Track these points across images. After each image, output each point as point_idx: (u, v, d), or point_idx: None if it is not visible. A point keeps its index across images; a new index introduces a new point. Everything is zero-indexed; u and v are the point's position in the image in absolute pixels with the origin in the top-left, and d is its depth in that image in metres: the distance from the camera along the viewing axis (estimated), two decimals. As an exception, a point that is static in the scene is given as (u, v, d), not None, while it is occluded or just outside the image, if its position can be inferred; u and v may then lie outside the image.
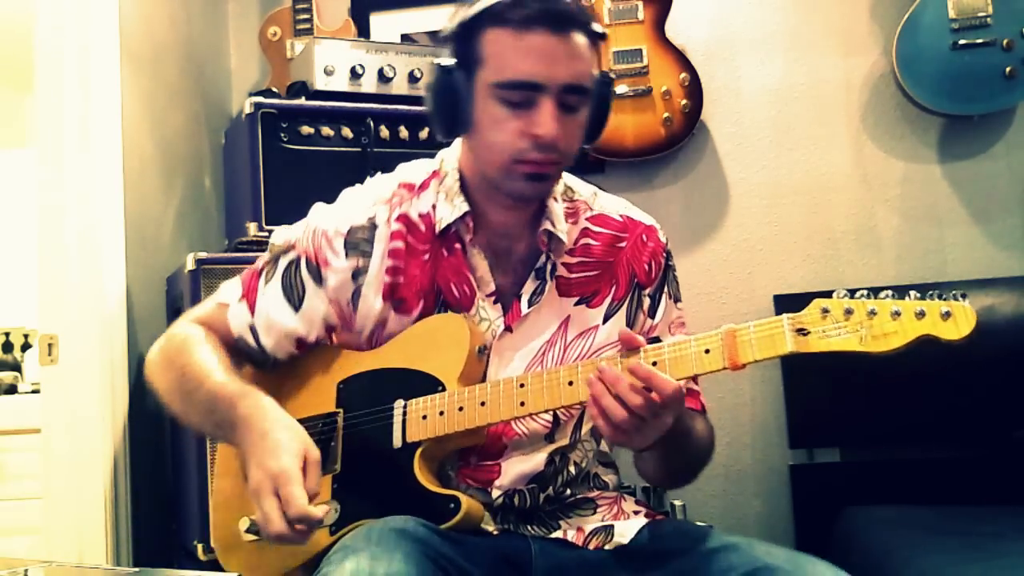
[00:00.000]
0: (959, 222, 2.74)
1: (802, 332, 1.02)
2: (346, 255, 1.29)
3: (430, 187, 1.32)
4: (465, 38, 1.22)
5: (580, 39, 1.20)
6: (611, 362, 1.11)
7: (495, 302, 1.29)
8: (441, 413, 1.20)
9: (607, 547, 1.24)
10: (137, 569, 1.77)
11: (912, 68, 2.61)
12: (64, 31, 2.14)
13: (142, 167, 2.38)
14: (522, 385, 1.17)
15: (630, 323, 1.33)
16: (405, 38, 2.96)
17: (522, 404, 1.17)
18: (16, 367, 3.50)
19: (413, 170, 1.36)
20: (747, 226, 2.83)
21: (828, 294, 1.04)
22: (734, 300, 2.81)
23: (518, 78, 1.18)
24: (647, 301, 1.34)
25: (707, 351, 1.07)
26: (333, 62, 2.22)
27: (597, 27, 1.23)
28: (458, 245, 1.29)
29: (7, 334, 3.59)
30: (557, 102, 1.18)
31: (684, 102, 2.69)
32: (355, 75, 2.24)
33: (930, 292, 1.00)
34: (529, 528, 1.26)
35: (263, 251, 1.40)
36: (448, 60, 1.23)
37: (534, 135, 1.18)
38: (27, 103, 3.53)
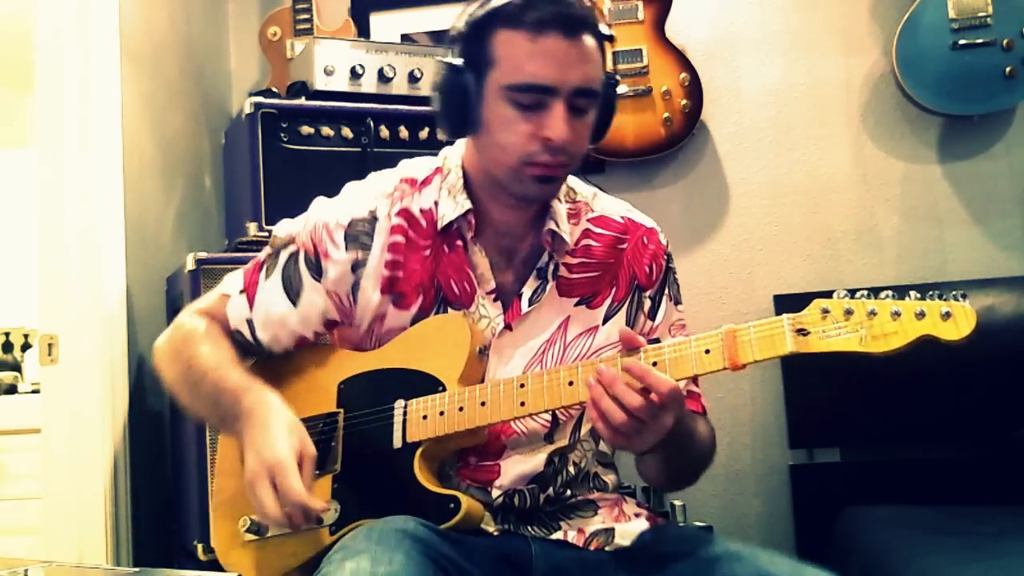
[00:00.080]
0: (959, 222, 2.74)
1: (802, 332, 1.02)
2: (346, 247, 1.29)
3: (433, 183, 1.32)
4: (475, 38, 1.22)
5: (590, 42, 1.20)
6: (610, 362, 1.11)
7: (495, 300, 1.29)
8: (441, 413, 1.20)
9: (608, 549, 1.24)
10: (137, 569, 1.77)
11: (912, 68, 2.61)
12: (64, 31, 2.14)
13: (142, 167, 2.38)
14: (522, 385, 1.17)
15: (630, 324, 1.33)
16: (405, 38, 2.97)
17: (522, 404, 1.17)
18: (16, 367, 3.50)
19: (416, 166, 1.36)
20: (747, 226, 2.83)
21: (828, 294, 1.04)
22: (734, 300, 2.81)
23: (531, 81, 1.17)
24: (648, 303, 1.34)
25: (707, 351, 1.07)
26: (333, 62, 2.22)
27: (605, 29, 1.23)
28: (459, 242, 1.29)
29: (7, 334, 3.59)
30: (567, 105, 1.19)
31: (684, 102, 2.69)
32: (355, 75, 2.24)
33: (930, 292, 1.00)
34: (529, 529, 1.26)
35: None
36: (457, 59, 1.23)
37: (545, 138, 1.19)
38: (27, 103, 3.53)
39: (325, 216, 1.32)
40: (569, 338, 1.30)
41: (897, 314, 0.99)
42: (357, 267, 1.29)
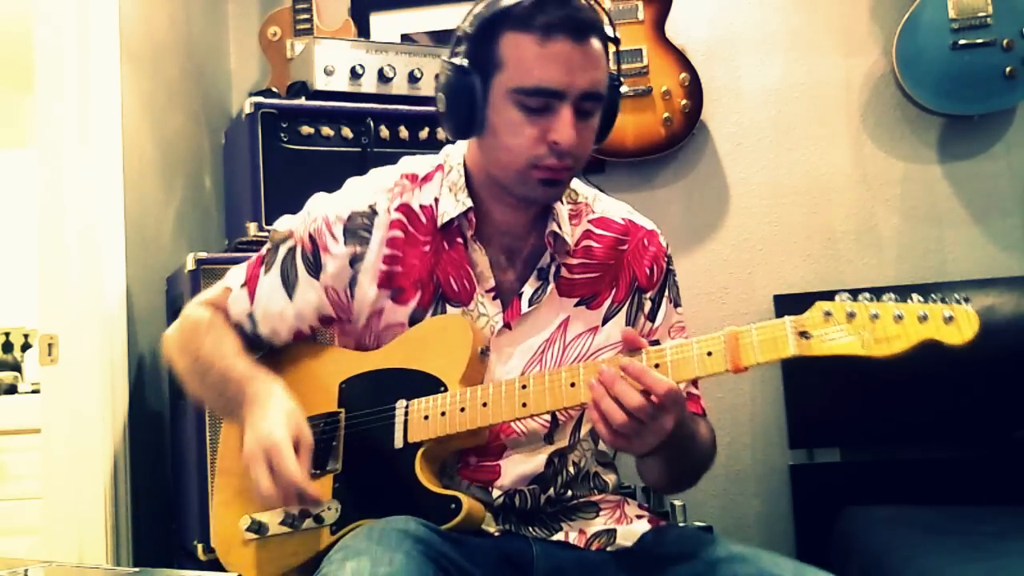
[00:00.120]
0: (959, 222, 2.74)
1: (804, 335, 1.02)
2: (345, 241, 1.29)
3: (434, 180, 1.33)
4: (482, 40, 1.21)
5: (597, 45, 1.20)
6: (611, 363, 1.11)
7: (494, 298, 1.29)
8: (443, 414, 1.19)
9: (609, 550, 1.24)
10: (137, 569, 1.77)
11: (912, 68, 2.61)
12: (64, 31, 2.14)
13: (142, 167, 2.38)
14: (524, 386, 1.17)
15: (630, 326, 1.33)
16: (405, 38, 2.97)
17: (524, 405, 1.16)
18: (16, 367, 3.50)
19: (417, 162, 1.36)
20: (747, 226, 2.83)
21: (829, 294, 1.04)
22: (734, 300, 2.81)
23: (539, 85, 1.17)
24: (648, 305, 1.34)
25: (709, 353, 1.07)
26: (333, 62, 2.22)
27: (612, 31, 1.23)
28: (459, 239, 1.30)
29: (7, 334, 3.59)
30: (574, 108, 1.18)
31: (684, 102, 2.69)
32: (355, 75, 2.24)
33: (933, 295, 0.99)
34: (530, 530, 1.26)
35: (263, 251, 1.40)
36: (462, 60, 1.23)
37: (552, 142, 1.19)
38: (27, 103, 3.53)
39: (324, 210, 1.32)
40: (569, 338, 1.30)
41: (900, 317, 0.98)
42: (355, 261, 1.29)
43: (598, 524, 1.28)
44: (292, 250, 1.33)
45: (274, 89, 2.37)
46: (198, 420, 1.91)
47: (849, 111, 2.82)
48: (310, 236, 1.32)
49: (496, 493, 1.25)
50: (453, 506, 1.15)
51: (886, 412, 2.52)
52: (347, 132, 2.13)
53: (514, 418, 1.19)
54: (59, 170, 2.12)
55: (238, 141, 2.22)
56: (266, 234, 2.00)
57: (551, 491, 1.28)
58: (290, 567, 1.23)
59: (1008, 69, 2.54)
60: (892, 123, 2.79)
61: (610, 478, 1.36)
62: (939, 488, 2.46)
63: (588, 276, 1.32)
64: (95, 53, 2.17)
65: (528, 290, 1.29)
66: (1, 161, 3.85)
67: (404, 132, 2.18)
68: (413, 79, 2.29)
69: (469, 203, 1.28)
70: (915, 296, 1.00)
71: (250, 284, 1.36)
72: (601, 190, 1.43)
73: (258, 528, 1.24)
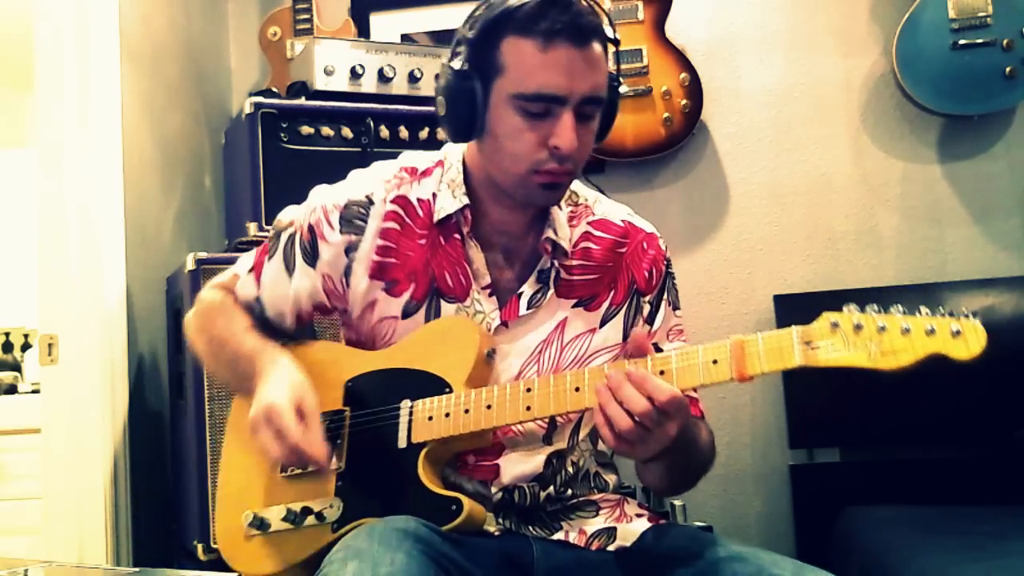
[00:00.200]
0: (959, 222, 2.74)
1: (811, 345, 1.02)
2: (341, 230, 1.31)
3: (433, 175, 1.33)
4: (483, 44, 1.21)
5: (598, 49, 1.20)
6: (617, 369, 1.10)
7: (490, 295, 1.29)
8: (447, 415, 1.20)
9: (609, 549, 1.24)
10: (137, 569, 1.77)
11: (912, 68, 2.61)
12: (64, 31, 2.14)
13: (142, 167, 2.38)
14: (528, 390, 1.17)
15: (628, 329, 1.33)
16: (405, 38, 2.97)
17: (528, 408, 1.16)
18: (16, 367, 3.50)
19: (418, 157, 1.37)
20: (747, 226, 2.83)
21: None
22: (734, 300, 2.81)
23: (540, 91, 1.17)
24: (646, 308, 1.34)
25: (715, 361, 1.06)
26: (333, 62, 2.22)
27: (611, 33, 1.23)
28: (456, 236, 1.30)
29: (7, 334, 3.59)
30: (575, 113, 1.19)
31: (684, 102, 2.69)
32: (355, 75, 2.24)
33: (940, 309, 0.99)
34: (530, 529, 1.26)
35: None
36: (463, 64, 1.23)
37: (553, 146, 1.19)
38: (27, 103, 3.53)
39: (324, 199, 1.34)
40: (566, 339, 1.30)
41: (907, 330, 0.98)
42: (350, 250, 1.31)
43: (598, 523, 1.28)
44: (292, 237, 1.36)
45: (274, 89, 2.38)
46: (198, 420, 1.91)
47: (849, 111, 2.82)
48: (309, 226, 1.34)
49: (495, 489, 1.25)
50: (454, 507, 1.15)
51: (886, 412, 2.52)
52: (347, 132, 2.13)
53: (518, 421, 1.19)
54: (59, 170, 2.12)
55: (238, 141, 2.22)
56: (266, 234, 2.00)
57: (551, 489, 1.28)
58: (291, 563, 1.23)
59: (1008, 69, 2.54)
60: (892, 123, 2.79)
61: (610, 478, 1.36)
62: (939, 488, 2.46)
63: (586, 278, 1.32)
64: (95, 53, 2.17)
65: (528, 291, 1.29)
66: (1, 161, 3.85)
67: (404, 132, 2.18)
68: (413, 79, 2.29)
69: (465, 200, 1.29)
70: (923, 309, 0.99)
71: (256, 270, 1.39)
72: (601, 191, 1.43)
73: (260, 524, 1.25)
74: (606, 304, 1.32)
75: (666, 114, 2.69)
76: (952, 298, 2.59)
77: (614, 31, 1.24)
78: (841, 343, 1.00)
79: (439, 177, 1.33)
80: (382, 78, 2.26)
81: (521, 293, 1.29)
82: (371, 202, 1.31)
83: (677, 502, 2.11)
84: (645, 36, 2.71)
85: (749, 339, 1.05)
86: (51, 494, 2.07)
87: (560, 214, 1.32)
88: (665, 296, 1.36)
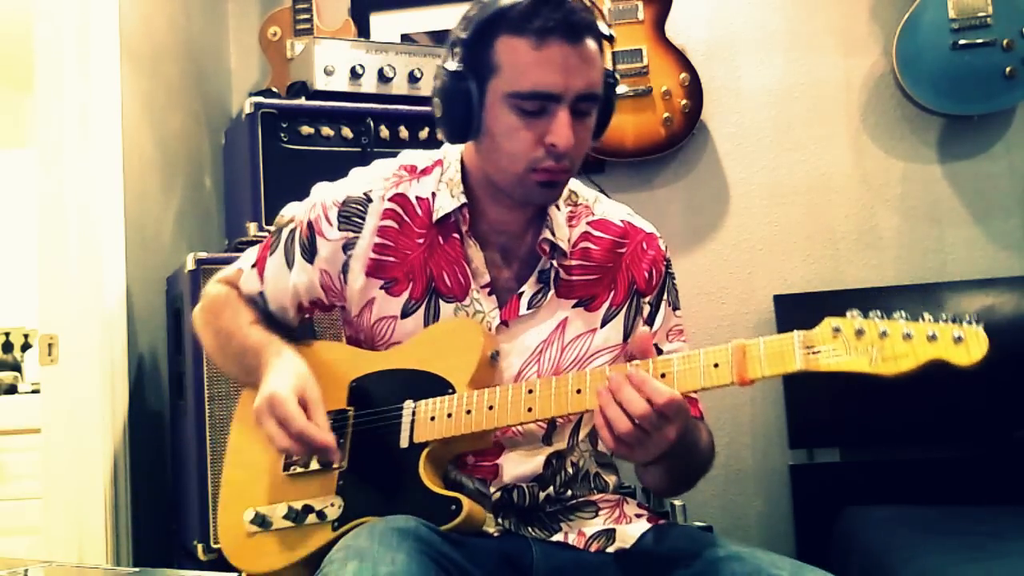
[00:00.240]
0: (959, 222, 2.74)
1: (812, 350, 1.02)
2: (339, 227, 1.31)
3: (433, 174, 1.34)
4: (477, 44, 1.21)
5: (593, 46, 1.20)
6: (618, 371, 1.11)
7: (489, 294, 1.29)
8: (449, 415, 1.20)
9: (609, 550, 1.24)
10: (137, 569, 1.77)
11: (912, 68, 2.61)
12: (64, 31, 2.14)
13: (142, 167, 2.38)
14: (530, 391, 1.17)
15: (628, 329, 1.33)
16: (405, 38, 2.97)
17: (529, 410, 1.17)
18: (16, 367, 3.50)
19: (417, 155, 1.37)
20: (747, 226, 2.84)
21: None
22: (734, 300, 2.81)
23: (535, 89, 1.17)
24: (646, 308, 1.34)
25: (716, 365, 1.06)
26: (333, 62, 2.22)
27: (606, 29, 1.23)
28: (455, 235, 1.30)
29: (7, 334, 3.59)
30: (571, 110, 1.19)
31: (684, 102, 2.69)
32: (355, 75, 2.24)
33: (944, 315, 0.99)
34: (530, 530, 1.26)
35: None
36: (457, 65, 1.23)
37: (550, 144, 1.19)
38: (27, 103, 3.53)
39: (323, 196, 1.35)
40: (567, 339, 1.30)
41: (909, 336, 0.98)
42: (348, 247, 1.31)
43: (597, 524, 1.28)
44: (292, 232, 1.37)
45: (274, 89, 2.38)
46: (198, 420, 1.91)
47: (849, 111, 2.82)
48: (309, 222, 1.34)
49: (493, 488, 1.25)
50: (454, 507, 1.15)
51: (886, 412, 2.52)
52: (347, 132, 2.13)
53: (519, 422, 1.19)
54: (59, 170, 2.12)
55: (238, 141, 2.22)
56: (266, 234, 2.00)
57: (550, 490, 1.28)
58: (292, 561, 1.23)
59: (1008, 69, 2.54)
60: (892, 123, 2.79)
61: (610, 479, 1.36)
62: (939, 488, 2.46)
63: (586, 278, 1.32)
64: (95, 53, 2.17)
65: (528, 292, 1.29)
66: (1, 161, 3.85)
67: (404, 132, 2.18)
68: (413, 79, 2.29)
69: (463, 199, 1.29)
70: (926, 315, 0.99)
71: (259, 265, 1.41)
72: (602, 190, 1.43)
73: (262, 521, 1.25)
74: (606, 304, 1.32)
75: (666, 114, 2.69)
76: (952, 298, 2.59)
77: (608, 27, 1.24)
78: (842, 348, 1.00)
79: (438, 176, 1.33)
80: (382, 78, 2.26)
81: (522, 293, 1.29)
82: (369, 200, 1.31)
83: (677, 502, 2.11)
84: (645, 36, 2.71)
85: (751, 343, 1.05)
86: (51, 494, 2.07)
87: (558, 214, 1.32)
88: (665, 296, 1.36)
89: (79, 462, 2.06)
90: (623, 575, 1.20)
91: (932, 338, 0.97)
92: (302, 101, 2.18)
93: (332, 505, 1.22)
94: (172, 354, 2.23)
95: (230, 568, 1.31)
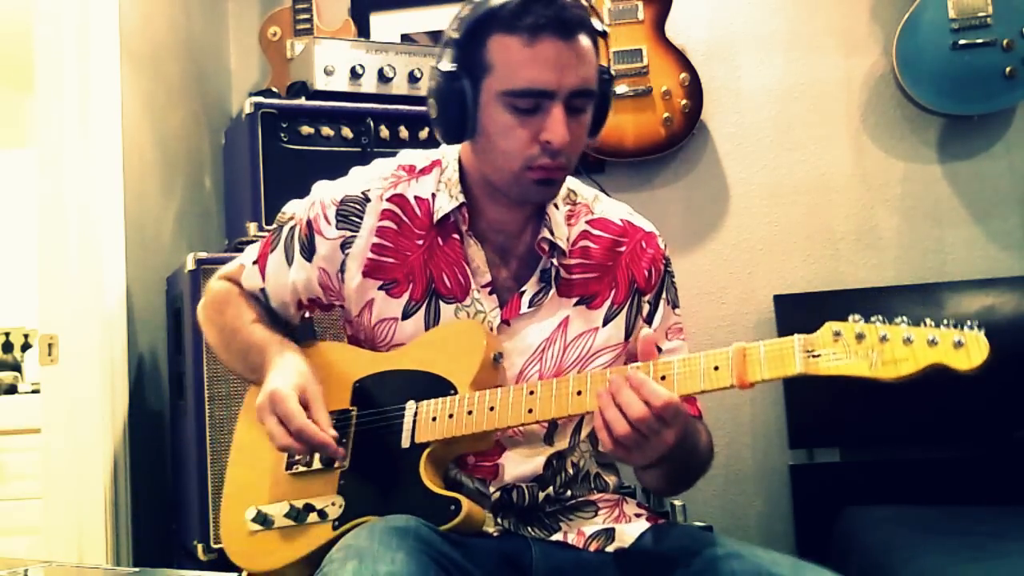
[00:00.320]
0: (959, 222, 2.74)
1: (812, 354, 1.02)
2: (337, 225, 1.32)
3: (432, 174, 1.34)
4: (469, 44, 1.21)
5: (586, 42, 1.20)
6: (619, 373, 1.11)
7: (490, 293, 1.29)
8: (451, 416, 1.20)
9: (608, 550, 1.24)
10: (137, 569, 1.77)
11: (912, 68, 2.61)
12: (64, 31, 2.14)
13: (142, 167, 2.38)
14: (532, 392, 1.17)
15: (630, 328, 1.33)
16: (405, 38, 2.97)
17: (530, 411, 1.17)
18: (16, 367, 3.50)
19: (416, 155, 1.38)
20: (747, 226, 2.84)
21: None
22: (734, 300, 2.81)
23: (528, 87, 1.17)
24: (646, 307, 1.34)
25: (716, 368, 1.07)
26: (333, 62, 2.22)
27: (599, 25, 1.23)
28: (455, 235, 1.30)
29: (7, 334, 3.59)
30: (565, 106, 1.19)
31: (684, 102, 2.69)
32: (355, 75, 2.24)
33: (946, 320, 0.99)
34: (529, 530, 1.26)
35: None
36: (451, 65, 1.23)
37: (544, 141, 1.19)
38: (27, 103, 3.53)
39: (323, 194, 1.35)
40: (569, 338, 1.30)
41: (909, 340, 0.98)
42: (345, 246, 1.32)
43: (596, 523, 1.28)
44: (292, 229, 1.38)
45: (274, 89, 2.38)
46: (198, 420, 1.91)
47: (849, 111, 2.82)
48: (308, 220, 1.35)
49: (493, 488, 1.25)
50: (453, 507, 1.15)
51: (886, 412, 2.52)
52: (347, 132, 2.13)
53: (520, 424, 1.19)
54: (59, 170, 2.12)
55: (238, 141, 2.22)
56: (266, 234, 2.00)
57: (550, 490, 1.28)
58: (292, 560, 1.24)
59: (1008, 69, 2.54)
60: (892, 123, 2.79)
61: (611, 479, 1.36)
62: (939, 488, 2.46)
63: (586, 276, 1.32)
64: (95, 53, 2.17)
65: (529, 291, 1.30)
66: (1, 161, 3.85)
67: (404, 132, 2.18)
68: (413, 79, 2.29)
69: (462, 199, 1.29)
70: (928, 320, 0.99)
71: (260, 262, 1.41)
72: (603, 190, 1.43)
73: (263, 520, 1.26)
74: (608, 303, 1.32)
75: (666, 114, 2.69)
76: (952, 298, 2.59)
77: (602, 23, 1.24)
78: (843, 352, 1.00)
79: (437, 176, 1.33)
80: (382, 78, 2.26)
81: (523, 292, 1.30)
82: (367, 199, 1.32)
83: (677, 502, 2.11)
84: (645, 36, 2.71)
85: (751, 346, 1.05)
86: (51, 494, 2.07)
87: (557, 213, 1.32)
88: (664, 295, 1.36)
89: (79, 462, 2.06)
90: (622, 574, 1.20)
91: (933, 343, 0.97)
92: (302, 101, 2.18)
93: (333, 504, 1.22)
94: (172, 354, 2.23)
95: (230, 568, 1.31)
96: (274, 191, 2.06)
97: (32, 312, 2.28)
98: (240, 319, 1.38)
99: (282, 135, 2.09)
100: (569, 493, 1.30)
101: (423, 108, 2.16)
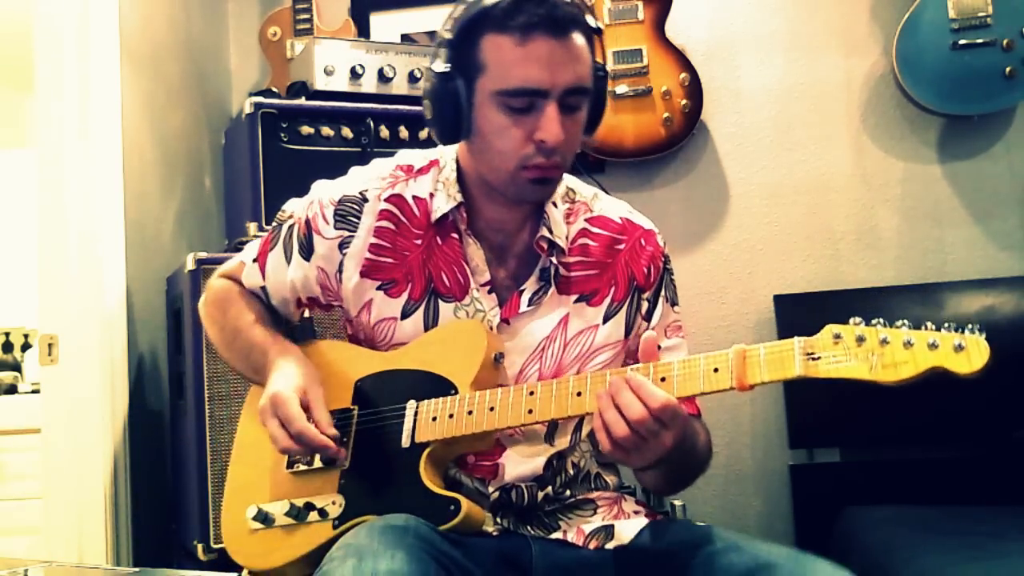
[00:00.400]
0: (959, 222, 2.74)
1: (812, 357, 1.02)
2: (335, 225, 1.32)
3: (429, 173, 1.34)
4: (463, 44, 1.22)
5: (580, 39, 1.20)
6: (619, 375, 1.11)
7: (489, 292, 1.30)
8: (451, 416, 1.20)
9: (607, 547, 1.25)
10: (137, 569, 1.77)
11: (912, 68, 2.61)
12: (64, 31, 2.14)
13: (142, 167, 2.38)
14: (532, 393, 1.17)
15: (630, 325, 1.33)
16: (405, 38, 2.97)
17: (530, 412, 1.17)
18: (16, 367, 3.50)
19: (414, 155, 1.38)
20: (747, 226, 2.83)
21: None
22: (734, 300, 2.81)
23: (521, 86, 1.17)
24: (645, 305, 1.35)
25: (716, 370, 1.07)
26: (333, 62, 2.22)
27: (593, 22, 1.23)
28: (454, 234, 1.31)
29: (7, 334, 3.59)
30: (559, 105, 1.18)
31: (684, 102, 2.69)
32: (355, 75, 2.24)
33: (947, 324, 0.99)
34: (528, 529, 1.26)
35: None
36: (445, 66, 1.23)
37: (539, 140, 1.19)
38: (27, 103, 3.53)
39: (321, 194, 1.36)
40: (570, 335, 1.30)
41: (909, 344, 0.98)
42: (343, 246, 1.32)
43: (596, 521, 1.29)
44: (291, 228, 1.38)
45: (274, 89, 2.38)
46: (198, 420, 1.91)
47: (849, 111, 2.82)
48: (306, 220, 1.36)
49: (492, 488, 1.25)
50: (452, 507, 1.16)
51: (886, 412, 2.52)
52: (347, 132, 2.14)
53: (520, 424, 1.19)
54: (59, 170, 2.12)
55: (238, 141, 2.22)
56: (266, 234, 2.00)
57: (549, 489, 1.28)
58: (293, 558, 1.24)
59: (1008, 69, 2.54)
60: (892, 123, 2.79)
61: (611, 479, 1.36)
62: (939, 488, 2.46)
63: (586, 274, 1.33)
64: (95, 53, 2.17)
65: (529, 289, 1.30)
66: (1, 161, 3.85)
67: (404, 132, 2.18)
68: (413, 79, 2.29)
69: (460, 198, 1.29)
70: (929, 324, 0.99)
71: (260, 260, 1.42)
72: (603, 190, 1.43)
73: (264, 518, 1.26)
74: (607, 300, 1.32)
75: (666, 114, 2.69)
76: (952, 298, 2.59)
77: (596, 20, 1.24)
78: (843, 355, 1.00)
79: (435, 176, 1.33)
80: (382, 78, 2.26)
81: (523, 290, 1.30)
82: (365, 199, 1.32)
83: (677, 502, 2.11)
84: (645, 36, 2.71)
85: (751, 349, 1.05)
86: (51, 494, 2.07)
87: (556, 211, 1.32)
88: (663, 292, 1.36)
89: (79, 462, 2.06)
90: (622, 571, 1.21)
91: (933, 346, 0.97)
92: (302, 101, 2.18)
93: (333, 503, 1.22)
94: (172, 354, 2.23)
95: (230, 568, 1.31)
96: (274, 191, 2.06)
97: (32, 312, 2.28)
98: (242, 319, 1.38)
99: (282, 135, 2.09)
100: (568, 492, 1.30)
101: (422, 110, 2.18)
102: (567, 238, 1.32)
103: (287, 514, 1.24)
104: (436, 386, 1.24)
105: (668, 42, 2.72)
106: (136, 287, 2.26)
